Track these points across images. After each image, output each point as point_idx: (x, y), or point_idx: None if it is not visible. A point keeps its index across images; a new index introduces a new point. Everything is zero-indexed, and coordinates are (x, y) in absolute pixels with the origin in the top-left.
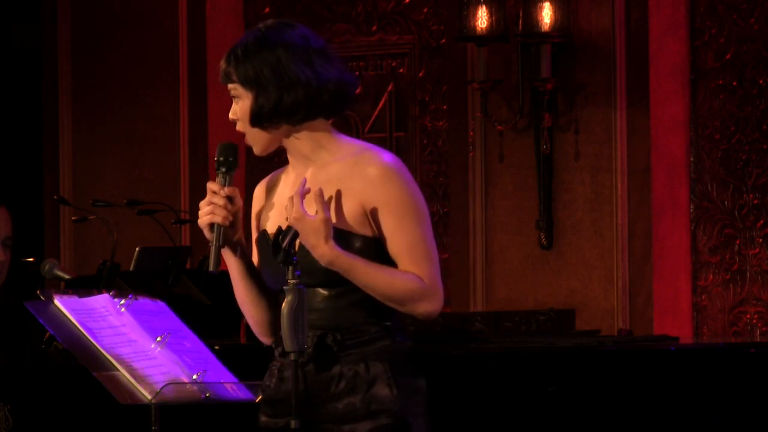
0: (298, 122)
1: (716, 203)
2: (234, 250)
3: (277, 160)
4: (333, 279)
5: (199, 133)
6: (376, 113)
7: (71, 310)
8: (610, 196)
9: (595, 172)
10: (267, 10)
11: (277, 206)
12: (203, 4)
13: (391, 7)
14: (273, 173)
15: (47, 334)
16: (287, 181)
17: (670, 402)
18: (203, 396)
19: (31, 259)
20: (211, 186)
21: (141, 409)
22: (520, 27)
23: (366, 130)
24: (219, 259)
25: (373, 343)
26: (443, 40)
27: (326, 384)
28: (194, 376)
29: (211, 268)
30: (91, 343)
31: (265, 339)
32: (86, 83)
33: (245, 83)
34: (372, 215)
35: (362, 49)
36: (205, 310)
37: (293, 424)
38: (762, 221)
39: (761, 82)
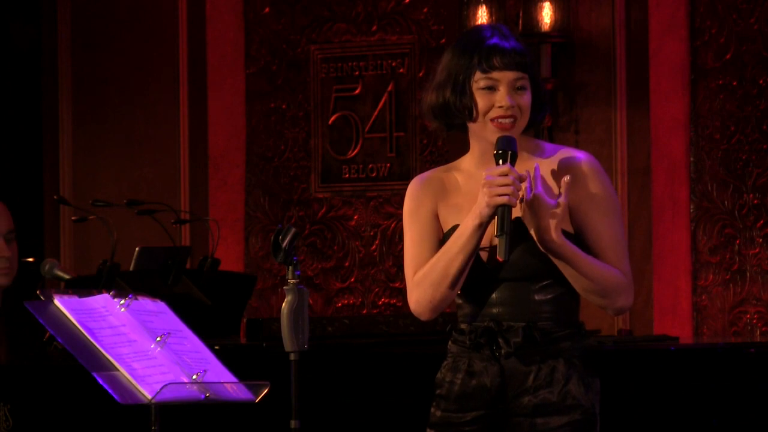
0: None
1: (716, 203)
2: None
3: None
4: (537, 273)
5: (199, 133)
6: (376, 113)
7: (71, 310)
8: None
9: None
10: (267, 10)
11: (467, 200)
12: (203, 4)
13: (391, 7)
14: (430, 173)
15: (47, 334)
16: (471, 175)
17: (670, 402)
18: (203, 396)
19: (31, 259)
20: (503, 169)
21: (141, 409)
22: (520, 27)
23: (366, 130)
24: (509, 246)
25: (567, 340)
26: (443, 40)
27: (523, 377)
28: (194, 376)
29: (503, 257)
30: (91, 343)
31: (429, 315)
32: (86, 83)
33: (533, 77)
34: (575, 210)
35: (362, 49)
36: (205, 310)
37: (293, 424)
38: (762, 221)
39: (761, 82)
